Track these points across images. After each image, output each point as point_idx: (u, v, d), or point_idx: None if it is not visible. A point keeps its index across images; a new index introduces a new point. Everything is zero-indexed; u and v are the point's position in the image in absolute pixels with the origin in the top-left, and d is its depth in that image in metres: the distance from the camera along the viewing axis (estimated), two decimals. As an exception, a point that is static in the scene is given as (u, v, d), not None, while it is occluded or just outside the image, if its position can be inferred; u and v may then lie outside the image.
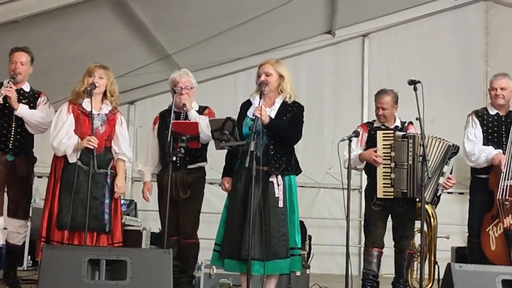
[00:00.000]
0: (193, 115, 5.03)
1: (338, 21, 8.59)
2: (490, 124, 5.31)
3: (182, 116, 5.14)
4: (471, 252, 5.36)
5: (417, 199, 5.10)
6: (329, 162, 8.46)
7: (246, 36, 8.16)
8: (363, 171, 5.51)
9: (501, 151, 5.17)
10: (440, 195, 5.15)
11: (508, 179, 5.05)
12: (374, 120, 5.47)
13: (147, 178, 5.28)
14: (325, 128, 8.99)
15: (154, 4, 6.90)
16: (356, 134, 5.08)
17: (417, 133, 5.08)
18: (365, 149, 5.28)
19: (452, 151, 5.07)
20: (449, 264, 3.64)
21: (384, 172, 5.14)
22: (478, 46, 8.88)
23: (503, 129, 5.27)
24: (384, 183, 5.13)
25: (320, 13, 8.45)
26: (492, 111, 5.34)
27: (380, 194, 5.15)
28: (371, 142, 5.26)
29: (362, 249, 8.73)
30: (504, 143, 5.21)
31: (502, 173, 5.06)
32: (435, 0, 8.80)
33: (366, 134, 5.34)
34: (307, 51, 9.07)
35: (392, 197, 5.11)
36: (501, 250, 5.03)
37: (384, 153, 5.14)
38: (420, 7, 8.85)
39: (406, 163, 5.04)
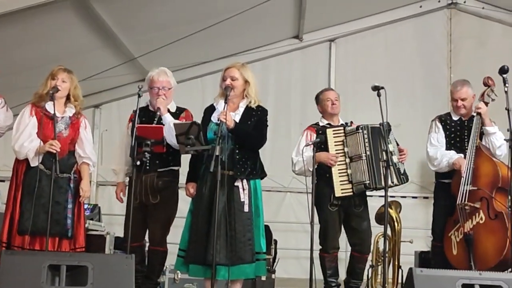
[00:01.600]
0: (167, 120, 4.87)
1: (305, 26, 8.61)
2: (453, 129, 5.38)
3: (157, 118, 4.98)
4: (435, 256, 5.41)
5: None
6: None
7: (213, 39, 8.13)
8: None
9: (462, 155, 5.23)
10: (404, 170, 5.17)
11: (467, 184, 5.12)
12: (317, 122, 5.51)
13: (120, 178, 5.14)
14: (292, 133, 8.98)
15: (119, 7, 6.83)
16: (321, 138, 5.09)
17: (369, 125, 5.15)
18: (316, 150, 5.14)
19: (385, 129, 4.97)
20: (410, 269, 3.67)
21: (339, 170, 5.15)
22: (442, 52, 8.97)
23: (466, 134, 5.34)
24: (341, 181, 5.13)
25: (288, 17, 8.46)
26: (455, 117, 5.43)
27: (338, 193, 5.12)
28: (320, 142, 5.19)
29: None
30: (467, 147, 5.27)
31: (462, 178, 5.12)
32: (400, 7, 8.87)
33: (315, 135, 5.32)
34: (274, 55, 9.07)
35: (351, 193, 5.10)
36: (462, 254, 5.09)
37: (336, 150, 5.16)
38: (385, 14, 8.92)
39: (364, 154, 5.05)
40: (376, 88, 4.76)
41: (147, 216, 4.98)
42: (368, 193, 5.39)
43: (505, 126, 4.91)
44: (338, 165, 5.14)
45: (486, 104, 5.29)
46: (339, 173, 5.14)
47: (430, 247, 5.61)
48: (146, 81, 5.15)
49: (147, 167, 4.84)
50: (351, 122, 5.40)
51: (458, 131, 5.37)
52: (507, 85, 4.92)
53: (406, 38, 9.06)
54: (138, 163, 4.58)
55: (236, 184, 4.55)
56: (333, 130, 5.25)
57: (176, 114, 5.03)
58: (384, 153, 4.84)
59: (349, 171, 5.12)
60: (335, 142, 5.20)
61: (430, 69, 8.92)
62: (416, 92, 8.92)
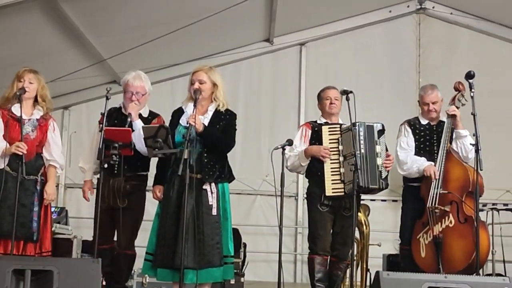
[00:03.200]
0: (138, 126, 4.80)
1: (276, 29, 8.64)
2: (422, 133, 5.40)
3: (128, 122, 4.88)
4: (403, 259, 5.38)
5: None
6: (266, 169, 8.48)
7: (183, 42, 8.11)
8: (303, 176, 5.41)
9: (433, 163, 5.24)
10: (386, 176, 5.05)
11: (438, 188, 5.14)
12: (316, 120, 5.38)
13: (87, 177, 5.06)
14: (262, 136, 9.02)
15: (88, 8, 6.77)
16: (290, 142, 5.05)
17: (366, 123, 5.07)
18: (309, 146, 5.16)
19: (378, 129, 5.02)
20: (377, 272, 3.70)
21: (332, 168, 5.01)
22: (411, 57, 9.08)
23: (435, 138, 5.37)
24: (333, 180, 4.99)
25: (259, 20, 8.48)
26: (424, 121, 5.45)
27: (329, 192, 4.98)
28: (315, 139, 5.16)
29: (298, 256, 8.86)
30: (436, 151, 5.31)
31: (433, 182, 5.15)
32: (369, 11, 8.95)
33: (310, 131, 5.22)
34: (245, 58, 9.09)
35: (342, 193, 4.97)
36: (430, 257, 5.09)
37: (331, 148, 5.05)
38: (355, 18, 8.99)
39: (358, 152, 4.90)
40: (344, 92, 4.80)
41: (114, 220, 4.93)
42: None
43: (471, 131, 4.98)
44: (331, 163, 5.02)
45: (457, 108, 5.32)
46: (332, 171, 5.01)
47: (399, 250, 5.58)
48: (122, 84, 5.11)
49: (115, 171, 4.80)
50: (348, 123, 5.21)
51: (427, 135, 5.39)
52: (473, 90, 4.98)
53: (375, 43, 9.15)
54: (106, 166, 4.54)
55: (204, 187, 4.54)
56: (329, 127, 5.14)
57: (148, 120, 4.99)
58: (354, 156, 4.85)
59: (342, 170, 4.99)
60: (330, 139, 5.08)
61: (399, 74, 9.02)
62: (385, 96, 9.01)
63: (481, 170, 4.77)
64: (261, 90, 9.19)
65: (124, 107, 5.01)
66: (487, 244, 5.12)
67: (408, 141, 5.39)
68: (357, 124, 4.97)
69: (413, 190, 5.32)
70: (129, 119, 4.86)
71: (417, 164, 5.27)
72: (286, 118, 9.00)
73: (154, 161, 4.98)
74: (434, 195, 5.13)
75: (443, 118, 5.42)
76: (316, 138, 5.19)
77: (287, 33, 8.97)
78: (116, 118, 4.97)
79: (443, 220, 5.11)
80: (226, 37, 8.51)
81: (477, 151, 4.79)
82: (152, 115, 5.10)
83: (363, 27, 9.07)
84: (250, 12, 8.06)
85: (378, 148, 5.02)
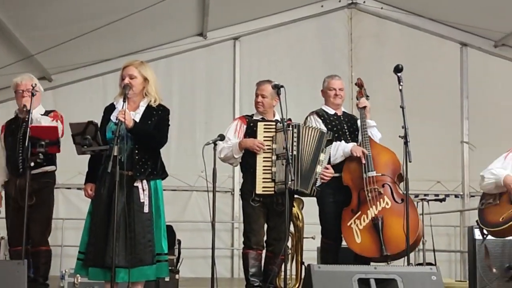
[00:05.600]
0: (35, 116, 4.83)
1: (209, 23, 8.61)
2: (333, 123, 5.41)
3: (23, 126, 4.90)
4: (325, 253, 5.42)
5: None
6: (201, 165, 8.39)
7: (115, 36, 7.99)
8: (238, 170, 5.42)
9: (355, 144, 5.30)
10: (318, 185, 5.05)
11: (368, 171, 5.19)
12: (253, 114, 5.33)
13: None
14: (197, 131, 8.98)
15: (13, 2, 6.57)
16: (221, 137, 5.01)
17: (301, 123, 5.09)
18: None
19: (327, 138, 5.06)
20: (309, 265, 3.72)
21: (264, 166, 4.97)
22: (343, 51, 9.21)
23: (345, 127, 5.43)
24: (264, 178, 4.96)
25: (192, 15, 8.43)
26: (331, 111, 5.48)
27: (259, 190, 4.96)
28: (250, 135, 5.10)
29: (235, 251, 8.86)
30: (349, 140, 5.37)
31: (363, 166, 5.19)
32: (302, 6, 9.03)
33: (245, 126, 5.17)
34: (178, 52, 9.03)
35: (272, 192, 4.96)
36: (368, 241, 5.11)
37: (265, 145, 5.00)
38: (288, 12, 9.06)
39: (291, 154, 4.81)
40: (275, 87, 4.79)
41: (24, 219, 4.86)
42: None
43: (401, 123, 5.06)
44: (264, 161, 4.98)
45: None
46: (264, 169, 4.97)
47: (320, 244, 5.56)
48: (12, 88, 5.16)
49: (21, 170, 4.75)
50: (290, 119, 5.17)
51: (338, 125, 5.41)
52: (401, 83, 5.05)
53: (308, 37, 9.23)
54: (33, 164, 4.44)
55: (135, 184, 4.45)
56: (265, 124, 5.08)
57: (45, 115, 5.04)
58: (292, 155, 4.83)
59: (273, 169, 4.95)
60: (264, 136, 5.03)
61: (332, 68, 9.07)
62: (319, 90, 9.06)
63: (410, 162, 4.85)
64: (195, 85, 9.14)
65: (20, 111, 4.96)
66: (418, 221, 5.17)
67: None
68: (291, 125, 4.98)
69: (332, 181, 5.22)
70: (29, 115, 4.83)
71: (342, 147, 5.29)
72: (221, 113, 8.99)
73: (84, 158, 4.88)
74: (368, 178, 5.18)
75: (345, 109, 5.57)
76: (250, 133, 5.14)
77: (221, 28, 8.94)
78: (14, 123, 5.05)
79: (378, 202, 5.16)
80: (159, 32, 8.43)
81: (406, 143, 4.86)
82: (48, 112, 5.14)
83: (296, 22, 9.14)
84: (183, 6, 8.00)
85: (322, 156, 5.04)
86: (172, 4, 7.60)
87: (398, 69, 5.10)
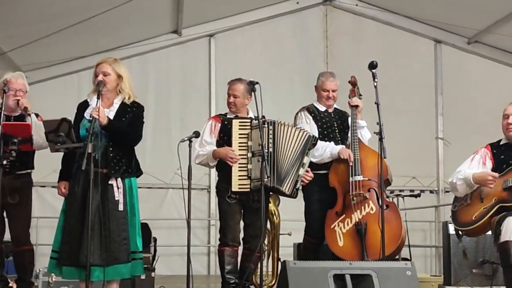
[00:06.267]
0: (34, 119, 4.75)
1: (184, 20, 8.58)
2: (324, 120, 5.40)
3: (12, 120, 4.85)
4: (306, 251, 5.40)
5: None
6: (177, 162, 8.41)
7: (89, 34, 7.93)
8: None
9: (344, 146, 5.28)
10: (298, 188, 5.05)
11: (355, 175, 5.15)
12: (226, 113, 5.29)
13: None
14: (173, 128, 8.95)
15: (-16, -1, 6.50)
16: (197, 134, 4.99)
17: (278, 120, 5.04)
18: (217, 141, 5.10)
19: (312, 142, 5.04)
20: (284, 262, 3.72)
21: (240, 164, 4.94)
22: (319, 48, 9.23)
23: (335, 125, 5.41)
24: (240, 175, 4.93)
25: (166, 12, 8.39)
26: (322, 108, 5.46)
27: (235, 187, 4.93)
28: (224, 133, 5.08)
29: (212, 248, 8.85)
30: (339, 138, 5.36)
31: (350, 170, 5.16)
32: (278, 3, 9.03)
33: (219, 125, 5.13)
34: (153, 50, 8.99)
35: (248, 189, 4.94)
36: (350, 245, 5.10)
37: (240, 143, 4.98)
38: (264, 9, 9.06)
39: (266, 151, 4.82)
40: (251, 84, 4.78)
41: (6, 218, 4.93)
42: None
43: (375, 119, 5.08)
44: (239, 158, 4.95)
45: None
46: (239, 167, 4.94)
47: (302, 242, 5.56)
48: (1, 84, 5.01)
49: (7, 169, 4.68)
50: (263, 116, 5.10)
51: (328, 122, 5.40)
52: (376, 80, 5.08)
53: (284, 34, 9.25)
54: (5, 162, 4.39)
55: (110, 182, 4.42)
56: (240, 122, 5.05)
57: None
58: (267, 152, 4.83)
59: (249, 166, 4.92)
60: (239, 134, 5.00)
61: (307, 65, 9.15)
62: (295, 87, 9.12)
63: (384, 158, 4.88)
64: (171, 82, 9.11)
65: (7, 108, 4.86)
66: (401, 227, 5.14)
67: (311, 127, 5.34)
68: (267, 122, 4.95)
69: (317, 178, 5.25)
70: (19, 112, 4.85)
71: (330, 148, 5.27)
72: (197, 110, 8.97)
73: (59, 156, 4.84)
74: (352, 183, 5.14)
75: (337, 106, 5.52)
76: (225, 131, 5.11)
77: (196, 25, 8.92)
78: None
79: (363, 207, 5.14)
80: (134, 29, 8.38)
81: (380, 139, 4.89)
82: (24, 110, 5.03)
83: (272, 19, 9.15)
84: (157, 3, 7.97)
85: (305, 159, 5.03)
86: (147, 1, 7.57)
87: (372, 66, 5.12)
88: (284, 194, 5.14)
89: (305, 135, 5.06)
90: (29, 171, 5.03)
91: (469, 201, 4.75)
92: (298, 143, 5.03)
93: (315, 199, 5.35)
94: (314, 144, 5.11)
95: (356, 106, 5.34)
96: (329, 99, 5.44)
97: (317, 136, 5.21)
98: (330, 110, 5.49)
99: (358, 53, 8.95)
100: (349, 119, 5.41)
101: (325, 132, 5.36)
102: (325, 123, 5.40)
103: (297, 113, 5.52)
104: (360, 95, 5.45)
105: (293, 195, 5.08)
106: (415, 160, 8.96)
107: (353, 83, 5.50)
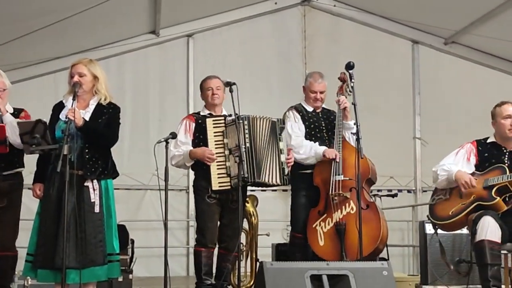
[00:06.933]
0: (9, 119, 4.63)
1: (162, 20, 8.53)
2: (311, 120, 5.40)
3: None
4: (294, 248, 5.38)
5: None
6: (155, 163, 8.39)
7: (66, 34, 7.86)
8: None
9: (326, 147, 5.25)
10: (288, 172, 5.02)
11: (336, 175, 5.15)
12: (199, 111, 5.28)
13: None
14: (151, 129, 8.90)
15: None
16: (173, 135, 4.93)
17: (251, 115, 4.99)
18: (193, 140, 5.07)
19: (279, 125, 5.02)
20: (261, 263, 3.72)
21: (218, 162, 4.92)
22: (297, 49, 9.23)
23: (323, 125, 5.41)
24: (219, 174, 4.91)
25: (144, 12, 8.34)
26: (309, 108, 5.45)
27: (215, 186, 4.91)
28: (200, 132, 5.06)
29: (191, 249, 8.81)
30: (326, 138, 5.35)
31: (332, 169, 5.15)
32: (256, 3, 9.02)
33: (194, 124, 5.10)
34: (131, 50, 8.93)
35: (229, 187, 4.92)
36: (330, 245, 5.11)
37: (216, 141, 4.96)
38: (242, 9, 9.04)
39: (243, 146, 4.81)
40: (228, 84, 4.77)
41: None
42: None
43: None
44: (217, 157, 4.92)
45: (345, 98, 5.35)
46: (218, 165, 4.92)
47: (289, 238, 5.58)
48: None
49: None
50: (232, 114, 5.06)
51: (316, 122, 5.39)
52: (353, 80, 5.10)
53: (262, 34, 9.24)
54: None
55: (86, 184, 4.40)
56: (213, 120, 5.01)
57: (14, 115, 4.79)
58: (238, 148, 4.79)
59: (227, 164, 4.90)
60: (215, 132, 4.97)
61: (286, 65, 9.16)
62: (273, 87, 9.13)
63: (361, 158, 4.90)
64: (149, 83, 9.07)
65: None
66: (381, 227, 5.12)
67: (299, 126, 5.36)
68: (240, 117, 4.89)
69: (305, 177, 5.29)
70: None
71: (314, 148, 5.26)
72: (175, 111, 8.92)
73: (34, 158, 4.79)
74: (335, 182, 5.14)
75: (324, 105, 5.50)
76: (200, 130, 5.09)
77: (174, 25, 8.88)
78: None
79: (344, 207, 5.14)
80: (111, 29, 8.33)
81: (358, 140, 4.92)
82: (17, 110, 4.92)
83: (250, 19, 9.14)
84: (135, 3, 7.93)
85: (281, 145, 5.02)
86: (124, 2, 7.52)
87: (349, 66, 5.14)
88: (272, 185, 5.13)
89: (269, 122, 5.02)
90: (17, 170, 4.78)
91: (448, 196, 4.78)
92: (267, 131, 5.01)
93: (302, 194, 5.34)
94: (283, 127, 5.09)
95: (345, 108, 5.28)
96: (317, 101, 5.43)
97: (306, 132, 5.18)
98: (318, 110, 5.47)
99: (336, 53, 8.96)
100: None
101: (313, 132, 5.37)
102: (312, 123, 5.40)
103: (285, 112, 5.50)
104: (351, 91, 5.28)
105: (285, 183, 5.04)
106: (393, 160, 9.00)
107: (342, 79, 5.39)
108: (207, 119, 5.08)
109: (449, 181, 4.75)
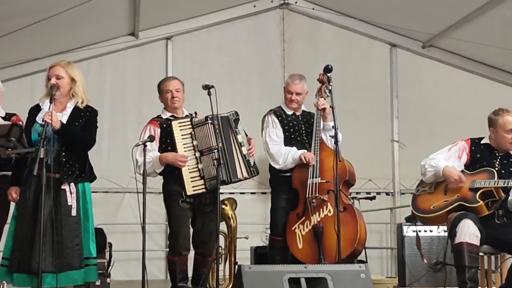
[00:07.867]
0: None
1: (141, 22, 8.48)
2: (291, 124, 5.38)
3: None
4: (273, 250, 5.39)
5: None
6: (133, 166, 8.34)
7: (43, 35, 7.78)
8: None
9: (305, 150, 5.25)
10: (254, 162, 5.00)
11: (313, 178, 5.15)
12: (159, 115, 5.18)
13: None
14: (129, 132, 8.82)
15: None
16: (151, 138, 4.85)
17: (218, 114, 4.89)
18: (160, 146, 4.98)
19: (233, 118, 4.97)
20: (239, 266, 3.72)
21: (189, 165, 4.85)
22: (276, 52, 9.22)
23: (303, 128, 5.39)
24: (192, 177, 4.84)
25: (123, 14, 8.28)
26: (289, 111, 5.43)
27: (190, 191, 4.83)
28: (166, 137, 4.97)
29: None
30: (306, 141, 5.34)
31: (309, 171, 5.14)
32: (235, 6, 9.00)
33: (159, 130, 5.01)
34: (110, 52, 8.85)
35: (204, 190, 4.84)
36: (308, 248, 5.11)
37: (185, 144, 4.89)
38: (221, 12, 9.01)
39: (215, 147, 4.76)
40: (206, 87, 4.73)
41: None
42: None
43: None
44: (188, 160, 4.85)
45: (324, 99, 5.33)
46: (190, 169, 4.84)
47: (268, 241, 5.57)
48: None
49: None
50: (195, 113, 5.07)
51: (295, 126, 5.37)
52: (331, 83, 5.12)
53: (241, 37, 9.22)
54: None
55: (62, 187, 4.39)
56: (179, 122, 4.92)
57: (6, 119, 4.83)
58: (216, 150, 4.76)
59: (200, 166, 4.84)
60: (182, 135, 4.88)
61: (265, 68, 9.16)
62: (252, 90, 9.11)
63: (340, 161, 4.92)
64: (127, 85, 9.00)
65: None
66: (358, 230, 5.11)
67: (277, 132, 5.33)
68: (209, 117, 4.84)
69: (285, 180, 5.29)
70: None
71: (291, 154, 5.25)
72: (153, 114, 8.72)
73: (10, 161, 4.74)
74: (311, 185, 5.14)
75: (305, 108, 5.50)
76: (166, 135, 5.00)
77: (153, 27, 8.83)
78: None
79: (321, 209, 5.13)
80: (89, 31, 8.25)
81: (336, 142, 4.93)
82: (9, 115, 4.94)
83: (229, 22, 9.11)
84: (114, 5, 7.87)
85: (240, 138, 4.96)
86: (103, 3, 7.47)
87: (327, 69, 5.16)
88: (245, 179, 5.10)
89: (222, 119, 4.94)
90: (5, 173, 4.73)
91: (433, 190, 4.78)
92: (226, 128, 4.95)
93: (282, 197, 5.33)
94: (237, 119, 5.02)
95: (323, 109, 5.25)
96: (292, 102, 5.38)
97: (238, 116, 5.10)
98: (298, 113, 5.44)
99: (315, 56, 8.97)
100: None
101: (292, 136, 5.35)
102: (292, 127, 5.37)
103: (264, 116, 5.49)
104: (330, 92, 5.21)
105: (253, 174, 5.01)
106: (371, 163, 9.02)
107: (321, 81, 5.36)
108: (173, 122, 4.98)
109: (436, 176, 4.73)
